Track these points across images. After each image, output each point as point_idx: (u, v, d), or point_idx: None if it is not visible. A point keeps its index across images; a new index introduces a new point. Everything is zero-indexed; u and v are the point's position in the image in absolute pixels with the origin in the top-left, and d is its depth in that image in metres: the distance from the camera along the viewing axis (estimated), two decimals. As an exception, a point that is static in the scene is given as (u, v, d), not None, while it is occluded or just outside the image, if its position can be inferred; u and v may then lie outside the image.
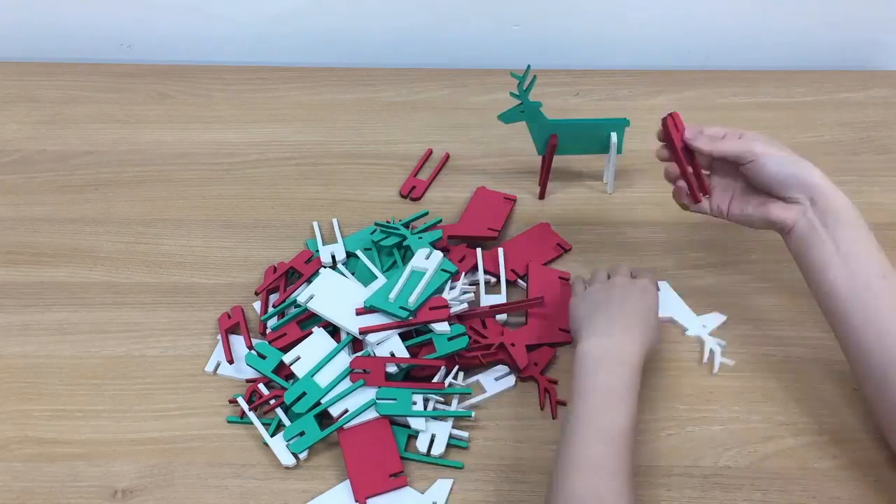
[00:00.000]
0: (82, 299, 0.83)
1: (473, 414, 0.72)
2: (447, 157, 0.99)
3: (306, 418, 0.71)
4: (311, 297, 0.78)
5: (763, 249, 0.88)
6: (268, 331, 0.79)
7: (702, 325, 0.80)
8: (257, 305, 0.82)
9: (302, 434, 0.70)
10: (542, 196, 0.94)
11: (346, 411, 0.71)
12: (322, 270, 0.81)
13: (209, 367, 0.77)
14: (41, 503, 0.68)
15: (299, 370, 0.74)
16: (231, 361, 0.76)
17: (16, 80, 1.12)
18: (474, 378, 0.76)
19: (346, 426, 0.71)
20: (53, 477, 0.69)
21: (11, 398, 0.75)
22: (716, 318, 0.81)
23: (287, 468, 0.70)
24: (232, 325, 0.79)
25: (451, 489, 0.68)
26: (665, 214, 0.90)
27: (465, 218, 0.90)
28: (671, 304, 0.82)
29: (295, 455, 0.70)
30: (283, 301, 0.80)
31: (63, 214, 0.92)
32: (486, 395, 0.75)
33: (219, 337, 0.78)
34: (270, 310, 0.80)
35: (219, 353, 0.77)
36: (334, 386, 0.72)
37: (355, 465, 0.69)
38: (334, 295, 0.78)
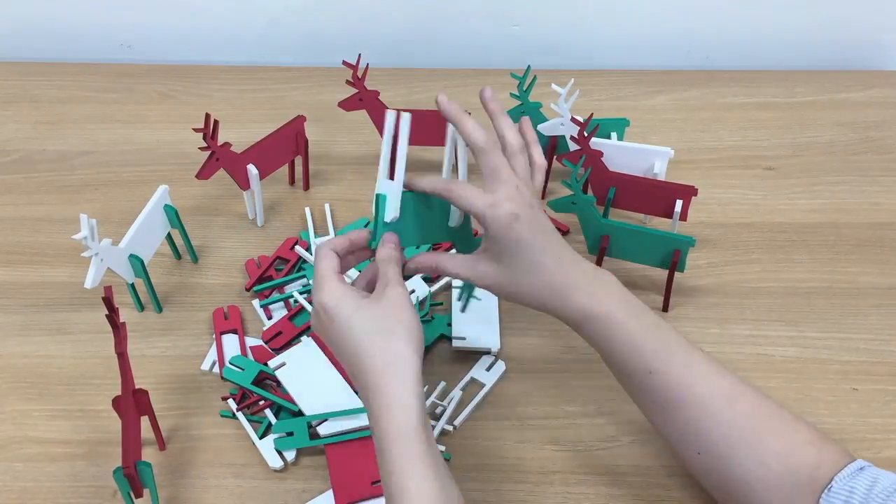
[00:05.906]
0: (82, 299, 0.83)
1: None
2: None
3: (298, 420, 0.71)
4: (283, 365, 0.75)
5: (763, 249, 0.88)
6: (264, 327, 0.79)
7: None
8: (256, 304, 0.82)
9: (291, 434, 0.70)
10: (542, 196, 0.94)
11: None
12: (304, 339, 0.77)
13: (205, 366, 0.77)
14: (41, 503, 0.68)
15: (284, 377, 0.73)
16: (223, 367, 0.76)
17: (16, 80, 1.12)
18: (468, 376, 0.76)
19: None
20: (53, 477, 0.69)
21: (11, 398, 0.75)
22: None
23: (279, 470, 0.69)
24: (228, 327, 0.79)
25: (451, 489, 0.68)
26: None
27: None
28: None
29: (281, 455, 0.69)
30: (283, 277, 0.83)
31: (63, 214, 0.92)
32: (485, 389, 0.75)
33: (214, 337, 0.79)
34: (266, 299, 0.82)
35: (216, 352, 0.77)
36: (324, 418, 0.71)
37: (338, 470, 0.67)
38: (306, 370, 0.74)
